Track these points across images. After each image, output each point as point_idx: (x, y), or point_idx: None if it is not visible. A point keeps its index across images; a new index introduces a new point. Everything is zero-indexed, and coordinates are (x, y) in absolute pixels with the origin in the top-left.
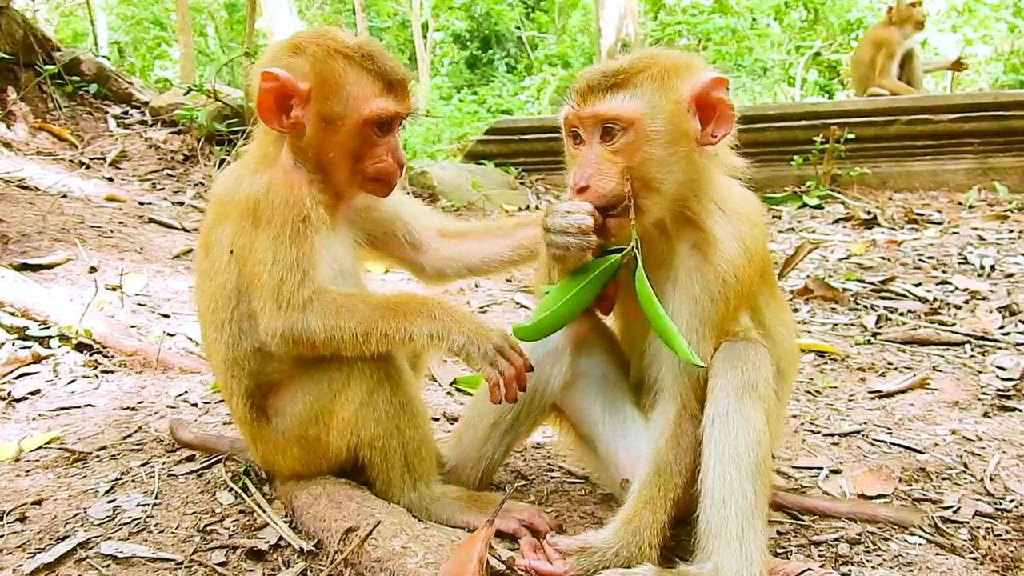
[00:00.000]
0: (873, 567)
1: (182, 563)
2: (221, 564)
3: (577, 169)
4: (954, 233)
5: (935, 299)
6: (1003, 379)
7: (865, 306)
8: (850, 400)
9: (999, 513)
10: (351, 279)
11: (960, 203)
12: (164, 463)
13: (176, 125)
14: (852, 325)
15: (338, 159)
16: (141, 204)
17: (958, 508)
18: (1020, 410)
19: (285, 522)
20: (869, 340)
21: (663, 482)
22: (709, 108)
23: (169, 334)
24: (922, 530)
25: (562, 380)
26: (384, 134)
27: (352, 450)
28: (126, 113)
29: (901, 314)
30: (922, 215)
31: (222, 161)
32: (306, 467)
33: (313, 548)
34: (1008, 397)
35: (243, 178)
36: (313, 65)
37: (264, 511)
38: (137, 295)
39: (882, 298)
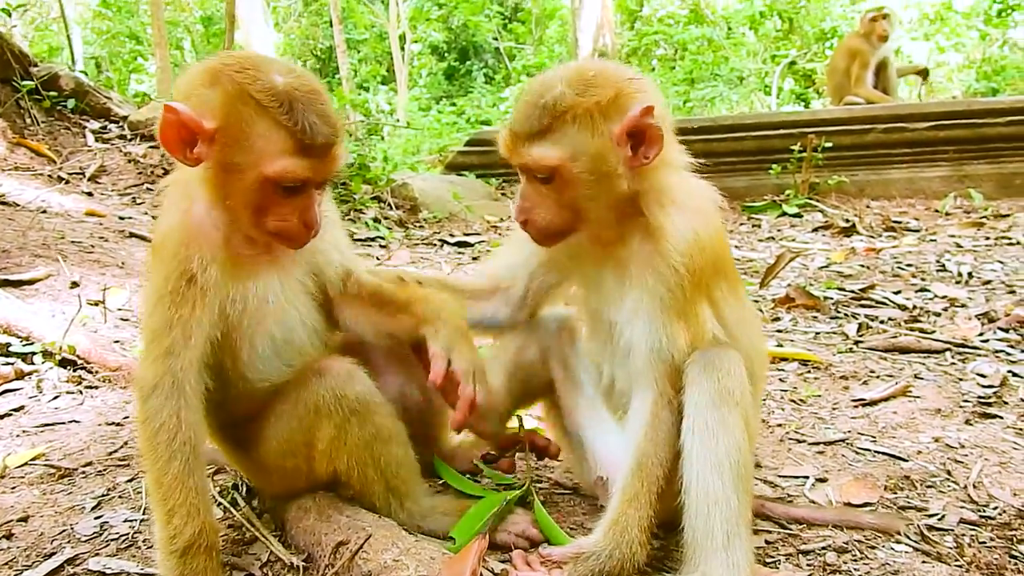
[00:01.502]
0: (861, 575)
1: None
2: None
3: (518, 203)
4: (931, 240)
5: (915, 307)
6: (983, 386)
7: (846, 314)
8: (834, 408)
9: (983, 520)
10: (303, 327)
11: (937, 210)
12: None
13: (155, 139)
14: (834, 333)
15: (237, 208)
16: (121, 219)
17: (943, 516)
18: (1001, 417)
19: (275, 536)
20: (851, 348)
21: (645, 476)
22: (639, 135)
23: None
24: (908, 538)
25: (558, 365)
26: (293, 195)
27: (332, 475)
28: (104, 128)
29: (882, 322)
30: (900, 223)
31: None
32: (290, 490)
33: (303, 563)
34: (989, 404)
35: (165, 210)
36: (223, 104)
37: (253, 525)
38: (119, 310)
39: (863, 306)
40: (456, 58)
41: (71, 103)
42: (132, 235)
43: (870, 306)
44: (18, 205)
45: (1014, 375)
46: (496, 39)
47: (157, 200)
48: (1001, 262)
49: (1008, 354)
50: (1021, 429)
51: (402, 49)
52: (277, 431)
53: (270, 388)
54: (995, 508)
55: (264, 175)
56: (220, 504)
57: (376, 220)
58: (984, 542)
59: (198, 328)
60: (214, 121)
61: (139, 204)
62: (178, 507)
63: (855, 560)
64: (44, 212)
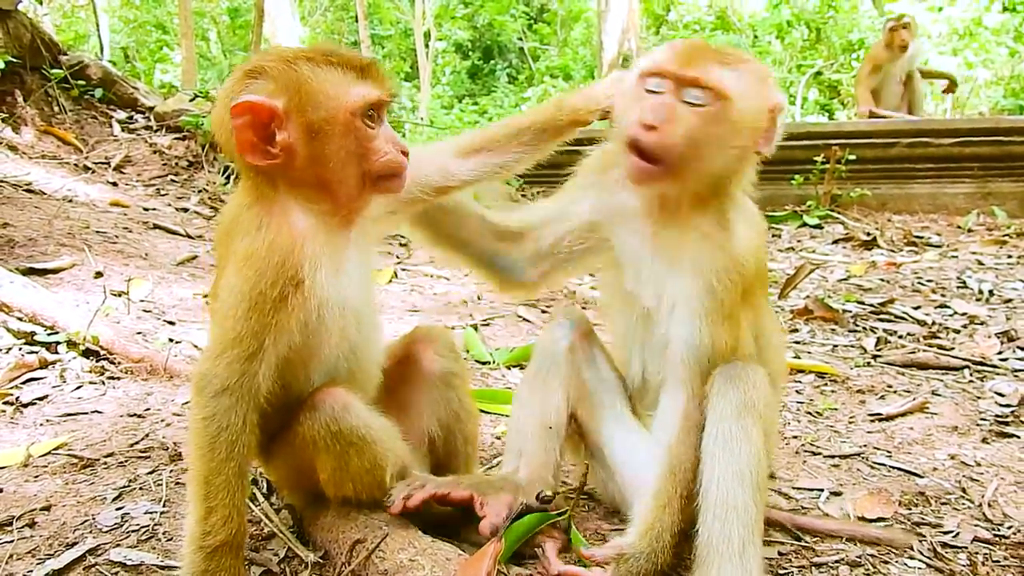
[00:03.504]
0: None
1: None
2: None
3: (649, 110)
4: (953, 257)
5: (934, 323)
6: (1001, 405)
7: (864, 328)
8: (850, 422)
9: (997, 539)
10: (363, 299)
11: (959, 227)
12: (171, 471)
13: (181, 131)
14: (851, 347)
15: (340, 168)
16: (145, 210)
17: (957, 533)
18: (1018, 436)
19: (292, 532)
20: (869, 362)
21: (679, 480)
22: (772, 122)
23: (175, 341)
24: (922, 554)
25: (575, 393)
26: (376, 124)
27: (343, 498)
28: (131, 118)
29: (900, 337)
30: (921, 238)
31: (226, 168)
32: (307, 501)
33: (320, 560)
34: (1006, 423)
35: (248, 233)
36: (278, 80)
37: (272, 521)
38: (142, 301)
39: (881, 320)
40: (480, 57)
41: (99, 92)
42: (156, 226)
43: (889, 320)
44: (44, 194)
45: None
46: (521, 39)
47: (182, 192)
48: (1023, 281)
49: None
50: None
51: (426, 46)
52: (285, 456)
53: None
54: (1009, 527)
55: (348, 111)
56: None
57: None
58: (998, 561)
59: (287, 334)
60: (280, 99)
61: (163, 195)
62: (219, 507)
63: (868, 574)
64: (70, 201)
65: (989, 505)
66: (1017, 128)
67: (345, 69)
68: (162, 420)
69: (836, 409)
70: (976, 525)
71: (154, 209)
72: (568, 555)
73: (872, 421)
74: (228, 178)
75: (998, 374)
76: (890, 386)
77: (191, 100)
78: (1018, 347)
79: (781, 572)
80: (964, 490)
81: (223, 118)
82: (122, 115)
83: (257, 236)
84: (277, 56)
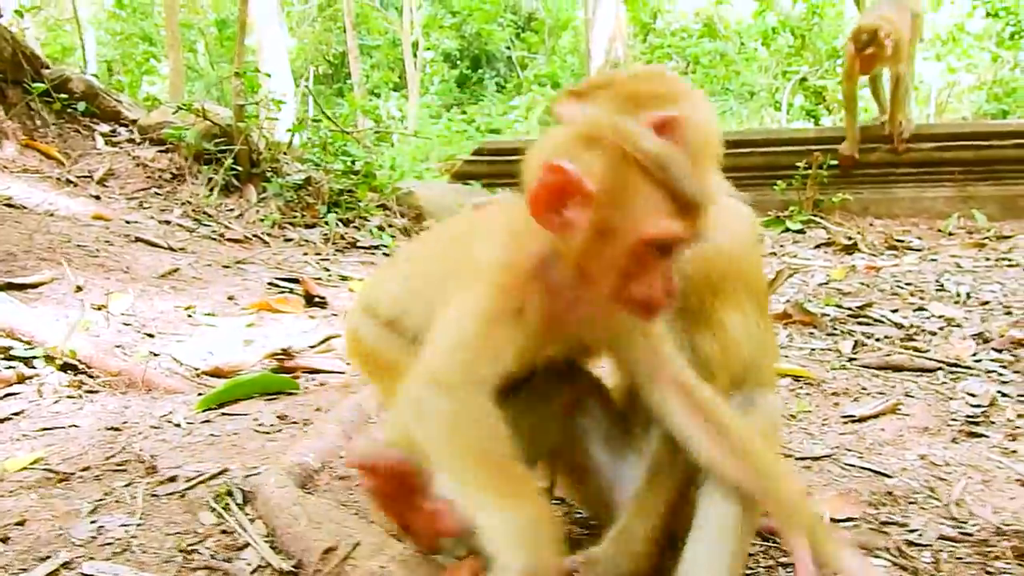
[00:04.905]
0: None
1: None
2: None
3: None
4: (932, 260)
5: (911, 325)
6: (972, 405)
7: (843, 331)
8: (823, 424)
9: (962, 537)
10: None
11: (940, 230)
12: (147, 484)
13: (164, 143)
14: (829, 350)
15: (602, 273)
16: (128, 223)
17: (923, 532)
18: (987, 436)
19: (266, 542)
20: (844, 365)
21: (657, 485)
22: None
23: (154, 354)
24: (888, 551)
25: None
26: (664, 258)
27: None
28: (114, 131)
29: (877, 340)
30: (902, 241)
31: (209, 180)
32: None
33: (292, 568)
34: (977, 423)
35: (500, 237)
36: (605, 166)
37: (245, 531)
38: (123, 315)
39: (859, 323)
40: (468, 66)
41: (81, 106)
42: (138, 239)
43: (867, 324)
44: (25, 208)
45: (1003, 395)
46: (509, 48)
47: (165, 204)
48: (1000, 283)
49: (1000, 374)
50: (1006, 449)
51: (415, 56)
52: None
53: None
54: (974, 525)
55: (643, 237)
56: (214, 509)
57: (380, 228)
58: (961, 558)
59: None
60: (594, 184)
61: (146, 208)
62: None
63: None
64: (51, 215)
65: (956, 504)
66: (996, 132)
67: (670, 198)
68: (139, 433)
69: (810, 412)
70: (942, 523)
71: (136, 222)
72: None
73: (845, 423)
74: (212, 191)
75: (971, 375)
76: (864, 388)
77: (174, 113)
78: (992, 348)
79: (748, 572)
80: (932, 489)
81: (536, 158)
82: (105, 128)
83: (500, 251)
84: (618, 138)
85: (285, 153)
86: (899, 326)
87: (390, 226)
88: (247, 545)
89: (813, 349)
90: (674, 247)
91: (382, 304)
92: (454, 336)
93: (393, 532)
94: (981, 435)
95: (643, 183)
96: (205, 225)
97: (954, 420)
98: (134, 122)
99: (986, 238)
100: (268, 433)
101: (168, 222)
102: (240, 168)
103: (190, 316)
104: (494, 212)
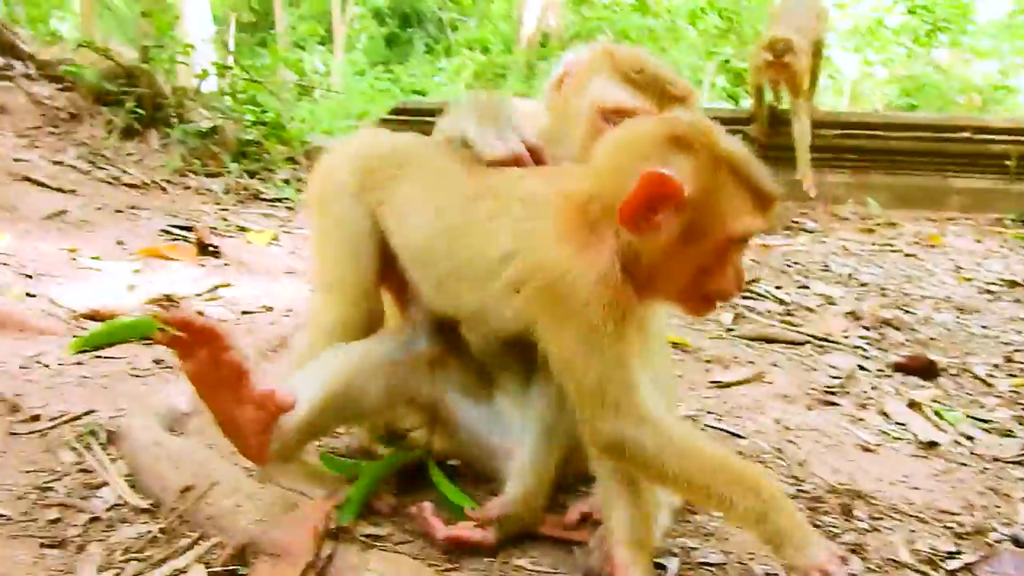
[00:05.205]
0: (678, 536)
1: (11, 519)
2: (54, 521)
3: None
4: (823, 242)
5: (792, 302)
6: (832, 377)
7: (726, 304)
8: (691, 389)
9: (799, 494)
10: None
11: (835, 214)
12: (8, 422)
13: (63, 81)
14: (711, 321)
15: (679, 273)
16: (16, 160)
17: None
18: (840, 405)
19: (126, 481)
20: (722, 335)
21: (550, 443)
22: None
23: (30, 295)
24: None
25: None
26: (741, 251)
27: None
28: (8, 65)
29: (759, 314)
30: (798, 223)
31: (109, 122)
32: None
33: (150, 506)
34: (833, 393)
35: (574, 255)
36: (698, 171)
37: (105, 469)
38: (1, 254)
39: (744, 298)
40: (398, 24)
41: None
42: (26, 178)
43: (751, 299)
44: None
45: (863, 369)
46: (440, 9)
47: (59, 145)
48: (881, 267)
49: (864, 350)
50: (855, 417)
51: (343, 11)
52: None
53: None
54: (812, 485)
55: (729, 235)
56: (74, 448)
57: (286, 181)
58: None
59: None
60: (689, 189)
61: (38, 147)
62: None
63: (677, 523)
64: None
65: (799, 464)
66: (896, 124)
67: (754, 196)
68: (5, 372)
69: (681, 376)
70: (782, 481)
71: (26, 160)
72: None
73: (711, 388)
74: (111, 133)
75: (837, 350)
76: (736, 357)
77: (75, 49)
78: (862, 326)
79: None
80: (780, 450)
81: (624, 160)
82: None
83: (582, 268)
84: (706, 140)
85: (192, 99)
86: (781, 302)
87: (298, 179)
88: (105, 484)
89: (695, 320)
90: (750, 238)
91: (387, 205)
92: (624, 379)
93: (253, 472)
94: (835, 404)
95: (731, 183)
96: (101, 168)
97: (813, 389)
98: (31, 56)
99: (877, 224)
100: (141, 377)
101: (61, 163)
102: (143, 111)
103: (74, 259)
104: (545, 192)
